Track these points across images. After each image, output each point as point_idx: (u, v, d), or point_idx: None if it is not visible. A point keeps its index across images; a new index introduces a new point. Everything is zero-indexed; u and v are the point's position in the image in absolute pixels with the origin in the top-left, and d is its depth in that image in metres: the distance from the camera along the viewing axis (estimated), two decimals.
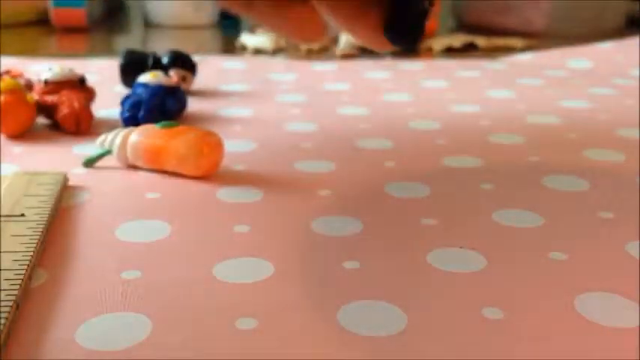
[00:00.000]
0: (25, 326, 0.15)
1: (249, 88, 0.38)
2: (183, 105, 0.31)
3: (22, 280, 0.16)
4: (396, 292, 0.16)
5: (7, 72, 0.34)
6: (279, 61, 0.46)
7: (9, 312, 0.14)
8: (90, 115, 0.29)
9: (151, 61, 0.34)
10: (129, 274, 0.17)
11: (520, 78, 0.41)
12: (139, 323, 0.15)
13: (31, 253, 0.17)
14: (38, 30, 0.60)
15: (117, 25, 0.66)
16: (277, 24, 0.18)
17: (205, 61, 0.45)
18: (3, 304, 0.15)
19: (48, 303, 0.16)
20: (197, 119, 0.31)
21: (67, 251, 0.18)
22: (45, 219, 0.19)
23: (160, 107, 0.29)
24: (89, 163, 0.24)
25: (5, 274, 0.16)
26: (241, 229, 0.19)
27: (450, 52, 0.54)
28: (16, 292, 0.15)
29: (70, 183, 0.23)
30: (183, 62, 0.35)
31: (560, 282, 0.17)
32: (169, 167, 0.23)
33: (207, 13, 0.65)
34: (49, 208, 0.20)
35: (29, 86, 0.31)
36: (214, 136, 0.24)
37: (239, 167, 0.25)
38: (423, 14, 0.17)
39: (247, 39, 0.53)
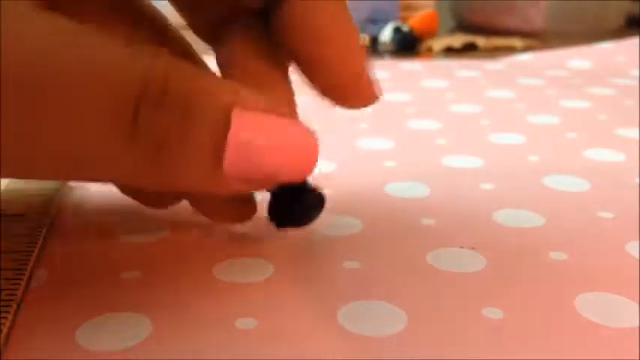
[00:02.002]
0: (25, 326, 0.15)
1: None
2: None
3: (22, 280, 0.16)
4: (396, 292, 0.16)
5: None
6: None
7: (9, 312, 0.14)
8: None
9: None
10: (129, 274, 0.17)
11: (520, 78, 0.41)
12: (139, 323, 0.15)
13: (31, 253, 0.17)
14: None
15: None
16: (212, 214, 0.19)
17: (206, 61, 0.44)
18: (3, 304, 0.15)
19: (48, 303, 0.16)
20: None
21: (67, 251, 0.18)
22: (45, 219, 0.19)
23: None
24: None
25: (5, 274, 0.16)
26: (241, 229, 0.19)
27: (450, 52, 0.54)
28: (16, 292, 0.15)
29: (70, 183, 0.23)
30: None
31: (560, 282, 0.17)
32: None
33: None
34: (49, 208, 0.20)
35: None
36: None
37: None
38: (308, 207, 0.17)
39: None
